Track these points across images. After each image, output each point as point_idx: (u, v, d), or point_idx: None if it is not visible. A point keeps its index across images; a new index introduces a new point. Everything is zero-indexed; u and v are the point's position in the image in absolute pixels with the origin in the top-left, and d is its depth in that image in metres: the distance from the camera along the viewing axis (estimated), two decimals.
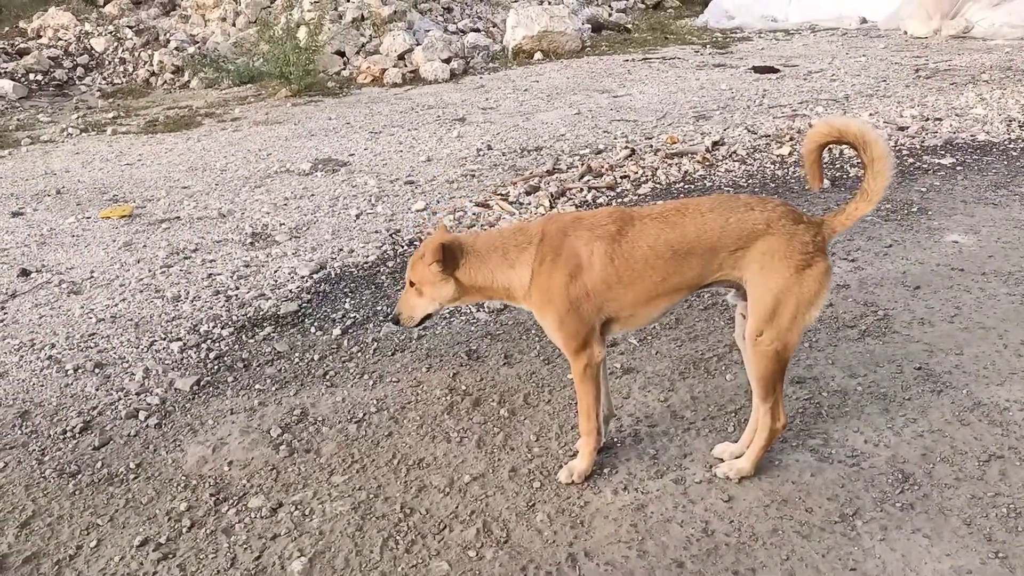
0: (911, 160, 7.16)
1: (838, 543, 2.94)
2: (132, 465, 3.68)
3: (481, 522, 3.21)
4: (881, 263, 5.17)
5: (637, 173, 7.36)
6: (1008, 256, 5.10)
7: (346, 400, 4.09)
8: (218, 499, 3.43)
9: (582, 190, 7.05)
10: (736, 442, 3.48)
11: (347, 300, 5.17)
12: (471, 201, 6.87)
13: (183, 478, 3.58)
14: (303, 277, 5.51)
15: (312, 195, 7.29)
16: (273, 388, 4.24)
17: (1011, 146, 7.51)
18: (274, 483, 3.52)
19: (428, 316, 3.39)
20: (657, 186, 6.99)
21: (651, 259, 3.12)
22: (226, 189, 7.59)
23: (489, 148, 8.52)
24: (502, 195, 7.05)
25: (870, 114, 8.99)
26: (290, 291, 5.32)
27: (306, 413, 3.99)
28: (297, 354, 4.56)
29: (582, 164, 7.70)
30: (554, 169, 7.63)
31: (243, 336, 4.78)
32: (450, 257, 3.21)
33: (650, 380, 4.07)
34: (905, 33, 15.21)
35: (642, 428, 3.71)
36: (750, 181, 6.95)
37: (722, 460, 3.44)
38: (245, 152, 8.84)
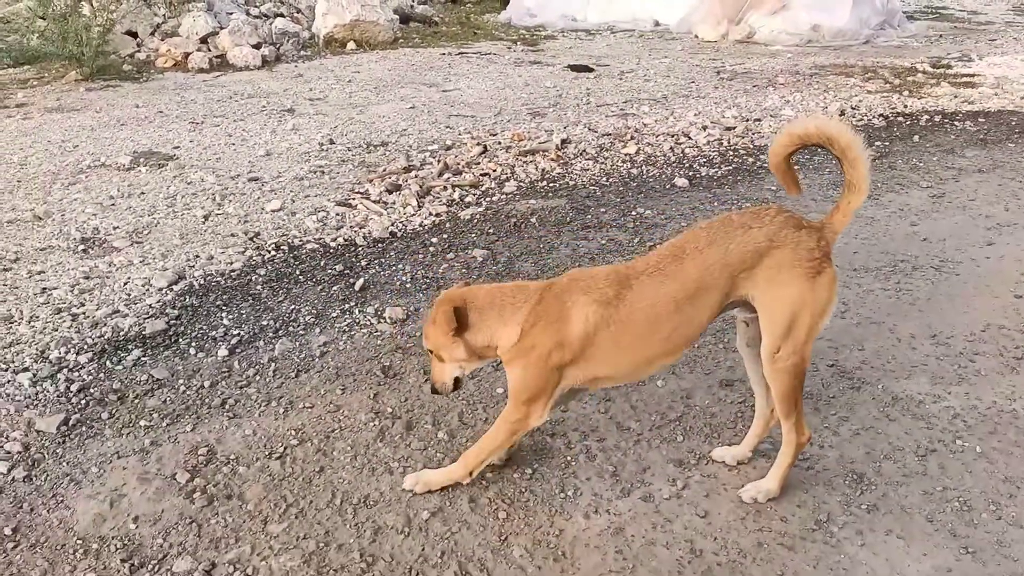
0: (750, 160, 7.57)
1: (823, 552, 2.97)
2: (7, 531, 3.00)
3: (456, 564, 2.93)
4: None
5: (496, 171, 7.22)
6: (869, 252, 5.51)
7: (258, 433, 3.61)
8: (133, 565, 2.89)
9: (446, 188, 6.80)
10: (733, 445, 3.47)
11: (224, 315, 4.60)
12: (330, 200, 6.40)
13: (79, 542, 2.98)
14: (161, 289, 4.84)
15: (142, 193, 6.46)
16: (163, 423, 3.66)
17: None
18: (198, 540, 3.02)
19: (459, 380, 3.22)
20: (520, 184, 6.89)
21: (653, 318, 2.99)
22: (32, 186, 6.54)
23: (332, 143, 8.02)
24: (362, 193, 6.64)
25: (695, 114, 9.42)
26: (150, 306, 4.65)
27: (213, 452, 3.48)
28: (181, 381, 3.97)
29: (438, 161, 7.43)
30: (410, 166, 7.30)
31: (107, 362, 4.10)
32: (462, 320, 3.03)
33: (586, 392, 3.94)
34: (696, 36, 16.18)
35: (591, 443, 3.58)
36: (609, 179, 7.03)
37: (724, 462, 3.41)
38: (45, 143, 7.70)
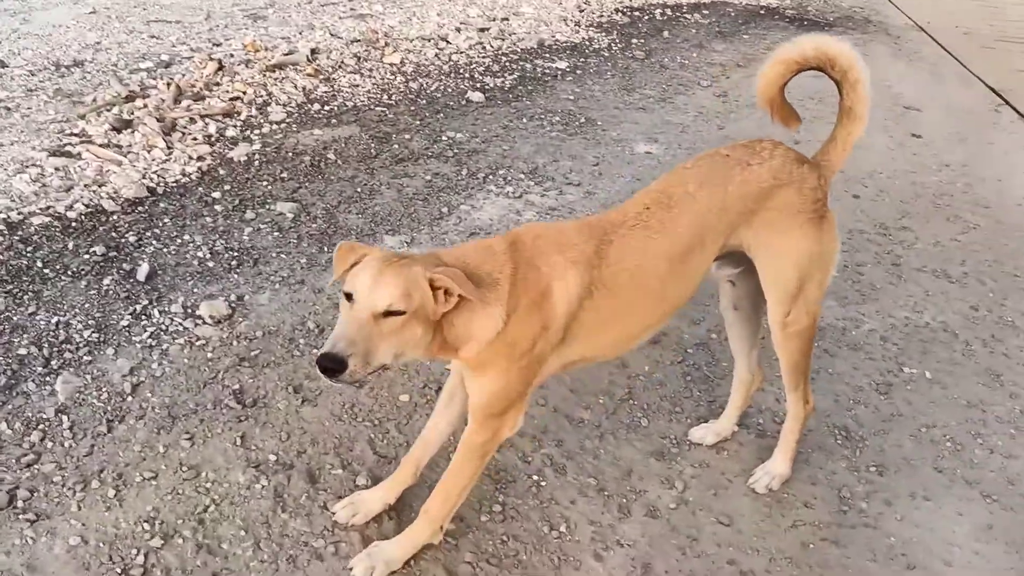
0: (528, 66, 6.96)
1: (871, 539, 2.62)
2: None
3: None
4: (606, 184, 4.88)
5: (248, 94, 5.87)
6: None
7: (88, 540, 2.41)
8: None
9: (193, 120, 5.37)
10: (709, 421, 3.01)
11: None
12: (37, 149, 4.73)
13: None
14: None
15: None
16: None
17: (592, 46, 7.80)
18: None
19: (385, 367, 2.21)
20: (288, 109, 5.65)
21: (643, 280, 2.33)
22: None
23: (3, 65, 6.02)
24: (80, 135, 5.00)
25: (437, 14, 8.56)
26: None
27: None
28: None
29: (167, 84, 5.87)
30: (132, 93, 5.67)
31: None
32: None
33: None
34: None
35: (551, 450, 2.89)
36: (391, 96, 6.02)
37: (705, 444, 2.94)
38: None
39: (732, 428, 2.97)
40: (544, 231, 2.34)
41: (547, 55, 7.37)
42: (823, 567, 2.50)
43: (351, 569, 2.38)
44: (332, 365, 1.94)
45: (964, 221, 4.67)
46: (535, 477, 2.76)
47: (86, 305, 3.40)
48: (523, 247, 2.26)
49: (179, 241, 3.93)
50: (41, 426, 2.78)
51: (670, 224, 2.35)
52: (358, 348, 1.96)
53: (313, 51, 6.96)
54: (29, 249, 3.74)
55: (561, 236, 2.30)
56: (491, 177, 4.84)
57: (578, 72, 6.83)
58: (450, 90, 6.21)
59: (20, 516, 2.45)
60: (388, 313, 2.00)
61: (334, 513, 2.54)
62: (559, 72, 6.77)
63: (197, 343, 3.25)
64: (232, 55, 6.72)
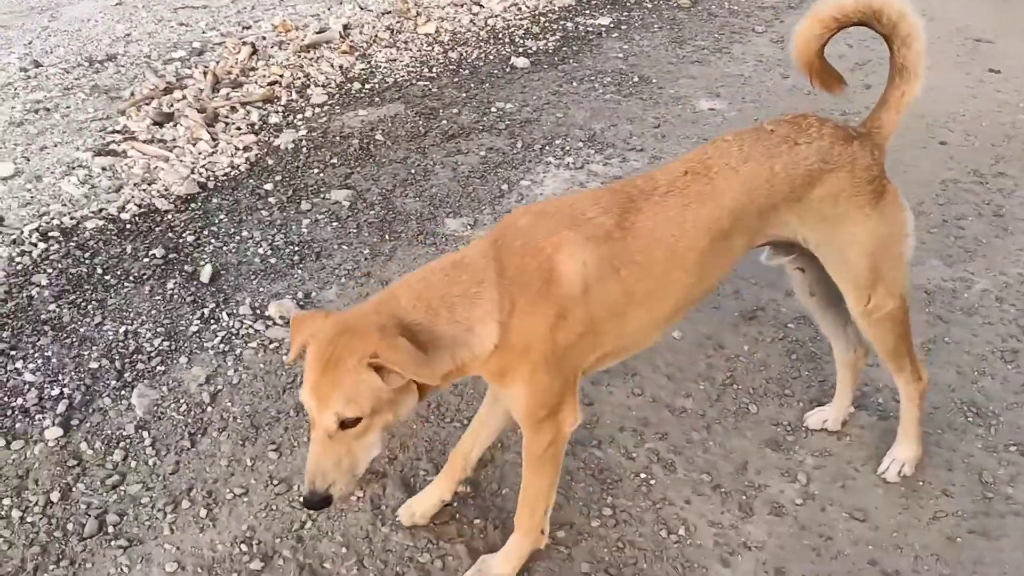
0: (569, 25, 6.65)
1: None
2: None
3: None
4: (672, 147, 4.63)
5: (285, 77, 5.68)
6: (769, 119, 4.94)
7: (186, 566, 2.28)
8: None
9: (234, 109, 5.20)
10: (823, 406, 2.81)
11: (17, 364, 2.98)
12: (82, 149, 4.59)
13: None
14: None
15: None
16: None
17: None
18: None
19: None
20: (328, 91, 5.45)
21: (679, 253, 2.09)
22: None
23: (37, 65, 5.87)
24: (123, 132, 4.86)
25: None
26: None
27: None
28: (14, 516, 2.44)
29: (203, 73, 5.69)
30: (169, 85, 5.51)
31: None
32: (419, 346, 1.87)
33: None
34: None
35: (655, 444, 2.70)
36: (432, 69, 5.78)
37: (826, 429, 2.73)
38: None
39: (848, 410, 2.75)
40: (546, 207, 2.13)
41: (587, 12, 7.05)
42: (976, 564, 2.30)
43: None
44: (321, 505, 1.87)
45: None
46: (642, 475, 2.58)
47: (153, 312, 3.27)
48: (511, 237, 2.02)
49: (238, 238, 3.78)
50: (122, 444, 2.66)
51: (711, 196, 2.12)
52: (334, 473, 1.85)
53: (345, 27, 6.73)
54: (87, 256, 3.62)
55: (570, 209, 2.07)
56: (548, 148, 4.61)
57: (623, 27, 6.52)
58: (492, 57, 5.95)
59: (112, 543, 2.34)
60: (345, 425, 1.83)
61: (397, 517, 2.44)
62: (603, 29, 6.46)
63: (271, 346, 3.11)
64: (264, 37, 6.51)
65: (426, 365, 1.84)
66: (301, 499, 1.92)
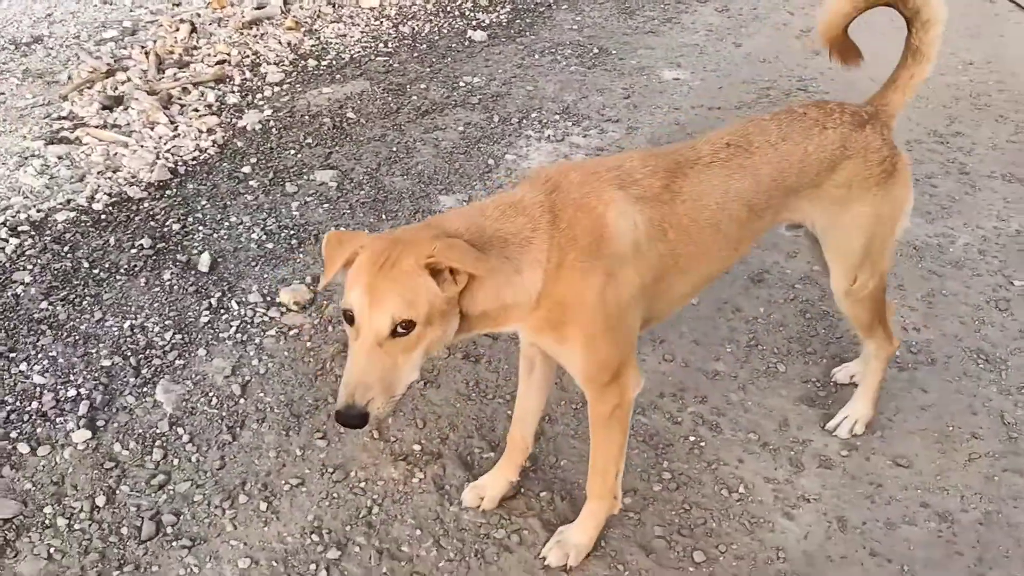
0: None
1: None
2: None
3: None
4: (645, 116, 4.69)
5: (233, 56, 5.46)
6: (732, 87, 5.07)
7: (259, 560, 2.22)
8: None
9: (187, 90, 4.98)
10: (849, 361, 2.92)
11: (21, 366, 2.80)
12: (30, 138, 4.31)
13: None
14: None
15: None
16: None
17: None
18: None
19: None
20: (283, 69, 5.27)
21: (723, 221, 2.16)
22: None
23: None
24: (72, 119, 4.58)
25: None
26: None
27: None
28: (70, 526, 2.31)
29: (145, 54, 5.41)
30: (111, 68, 5.21)
31: None
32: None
33: None
34: None
35: (697, 408, 2.77)
36: (387, 44, 5.65)
37: (855, 383, 2.77)
38: None
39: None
40: (596, 167, 2.10)
41: None
42: (1016, 499, 2.46)
43: (544, 558, 2.25)
44: (356, 422, 1.74)
45: (1013, 121, 4.63)
46: (692, 438, 2.64)
47: (155, 304, 3.12)
48: (568, 183, 2.01)
49: (227, 224, 3.63)
50: (159, 442, 2.55)
51: (753, 169, 2.18)
52: (375, 388, 1.73)
53: (285, 2, 6.51)
54: (67, 249, 3.41)
55: (619, 170, 2.08)
56: (525, 121, 4.61)
57: None
58: (447, 31, 5.87)
59: (174, 543, 2.25)
60: (396, 332, 1.75)
61: (461, 501, 2.40)
62: (551, 1, 6.46)
63: (291, 333, 3.02)
64: (199, 15, 6.22)
65: (484, 260, 1.80)
66: (333, 414, 1.77)
